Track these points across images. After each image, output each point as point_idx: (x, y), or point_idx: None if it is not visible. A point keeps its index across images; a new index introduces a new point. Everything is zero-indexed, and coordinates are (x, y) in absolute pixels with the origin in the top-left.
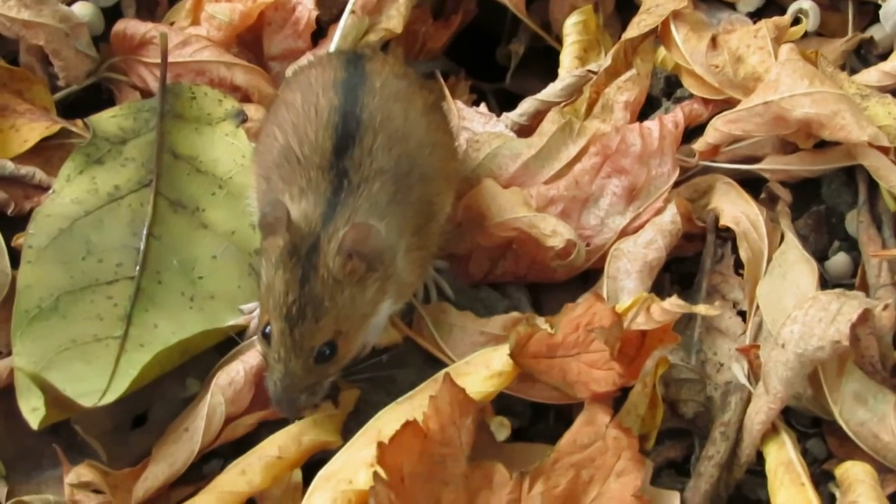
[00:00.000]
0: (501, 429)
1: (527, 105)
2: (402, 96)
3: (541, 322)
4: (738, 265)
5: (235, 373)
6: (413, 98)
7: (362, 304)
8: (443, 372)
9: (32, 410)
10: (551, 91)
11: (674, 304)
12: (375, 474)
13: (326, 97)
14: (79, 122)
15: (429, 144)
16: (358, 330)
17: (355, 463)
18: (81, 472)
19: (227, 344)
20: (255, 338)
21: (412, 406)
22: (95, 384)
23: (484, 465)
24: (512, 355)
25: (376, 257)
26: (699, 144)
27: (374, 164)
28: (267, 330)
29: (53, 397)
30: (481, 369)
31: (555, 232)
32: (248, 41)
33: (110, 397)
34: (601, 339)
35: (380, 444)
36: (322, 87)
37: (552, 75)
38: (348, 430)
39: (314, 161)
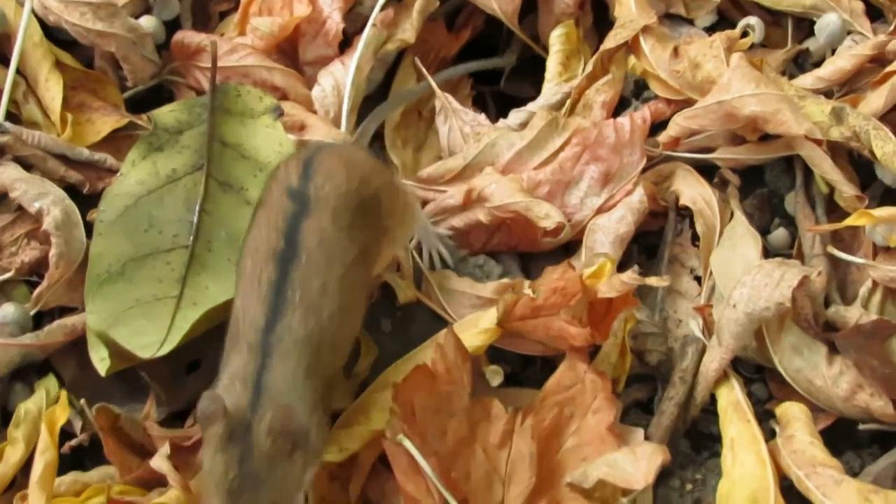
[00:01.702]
0: (495, 376)
1: (519, 114)
2: (329, 255)
3: (525, 288)
4: (695, 238)
5: None
6: (339, 252)
7: (293, 478)
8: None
9: (101, 360)
10: (539, 103)
11: (631, 277)
12: (392, 410)
13: (267, 270)
14: (144, 116)
15: (340, 311)
16: (290, 502)
17: (373, 405)
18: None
19: None
20: None
21: (422, 355)
22: (155, 337)
23: (483, 401)
24: (501, 319)
25: (301, 435)
26: (663, 137)
27: (291, 338)
28: None
29: (116, 350)
30: (472, 327)
31: (547, 215)
32: (286, 49)
33: (167, 348)
34: (568, 314)
35: (394, 385)
36: (264, 258)
37: (540, 79)
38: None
39: (249, 337)
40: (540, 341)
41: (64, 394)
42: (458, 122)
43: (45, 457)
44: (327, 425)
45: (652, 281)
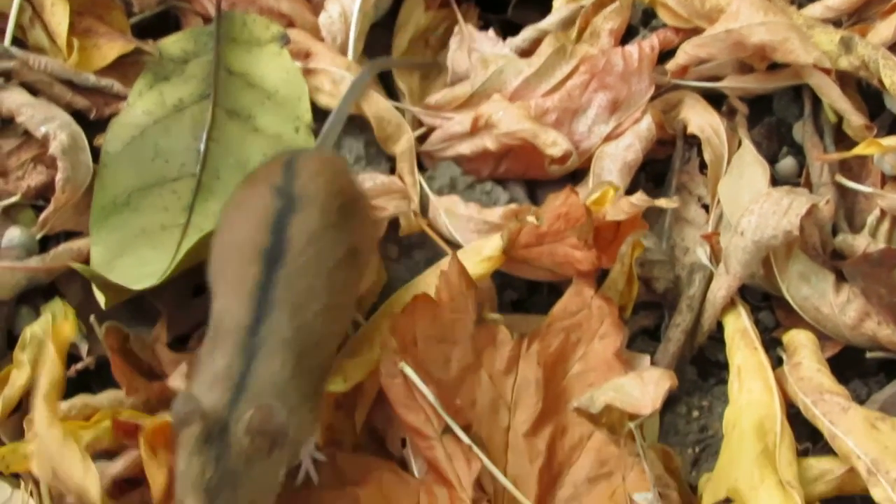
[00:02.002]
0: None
1: (528, 32)
2: (317, 254)
3: (529, 215)
4: (703, 166)
5: None
6: (327, 251)
7: (271, 477)
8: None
9: (100, 294)
10: (549, 21)
11: (639, 199)
12: (384, 342)
13: (252, 269)
14: (150, 42)
15: (327, 310)
16: (267, 501)
17: (377, 334)
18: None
19: None
20: None
21: (425, 283)
22: (159, 266)
23: (489, 326)
24: (506, 247)
25: (280, 433)
26: (671, 65)
27: (277, 340)
28: None
29: (103, 284)
30: (476, 255)
31: (555, 143)
32: None
33: (167, 276)
34: (574, 235)
35: (392, 316)
36: (249, 257)
37: (548, 8)
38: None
39: (233, 337)
40: (546, 268)
41: (72, 311)
42: (471, 47)
43: (50, 373)
44: (313, 417)
45: (661, 202)
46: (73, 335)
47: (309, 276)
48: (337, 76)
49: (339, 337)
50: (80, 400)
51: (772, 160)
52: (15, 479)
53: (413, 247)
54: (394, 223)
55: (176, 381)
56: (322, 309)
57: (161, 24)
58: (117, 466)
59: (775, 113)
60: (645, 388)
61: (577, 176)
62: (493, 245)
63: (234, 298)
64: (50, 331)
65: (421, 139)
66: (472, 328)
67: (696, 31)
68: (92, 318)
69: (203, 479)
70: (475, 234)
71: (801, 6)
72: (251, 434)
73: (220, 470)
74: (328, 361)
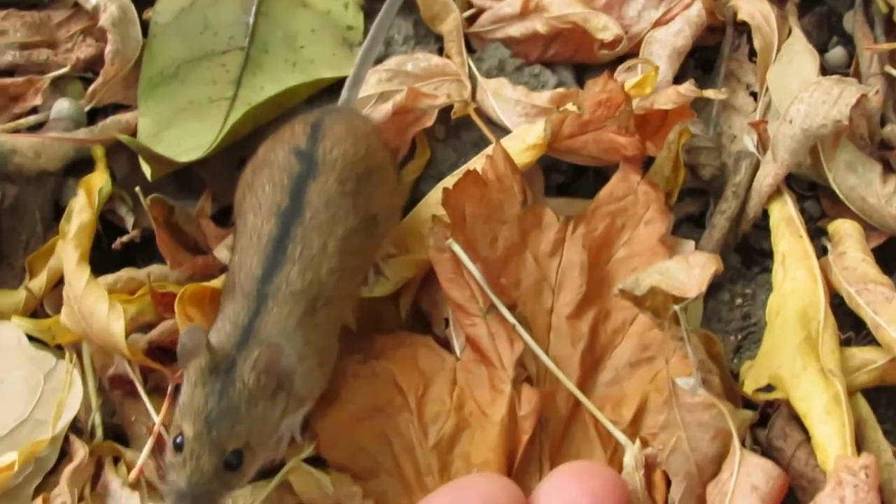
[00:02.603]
0: None
1: None
2: (332, 216)
3: (570, 105)
4: (752, 54)
5: None
6: (343, 215)
7: (271, 420)
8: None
9: (147, 165)
10: None
11: (687, 89)
12: (434, 217)
13: (269, 225)
14: None
15: (339, 271)
16: (264, 445)
17: (420, 225)
18: None
19: (321, 101)
20: None
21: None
22: (206, 139)
23: (536, 208)
24: (550, 139)
25: (286, 376)
26: None
27: (288, 289)
28: (178, 440)
29: (150, 155)
30: (519, 143)
31: (605, 27)
32: None
33: (213, 148)
34: (615, 124)
35: (444, 189)
36: (267, 214)
37: None
38: (423, 185)
39: (245, 288)
40: (592, 155)
41: (102, 157)
42: None
43: (80, 216)
44: (323, 374)
45: (709, 93)
46: (102, 183)
47: (323, 236)
48: None
49: (352, 298)
50: (126, 273)
51: (821, 49)
52: (59, 350)
53: (460, 128)
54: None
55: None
56: (335, 268)
57: None
58: (153, 332)
59: (826, 2)
60: (691, 271)
61: (625, 61)
62: (536, 133)
63: (249, 252)
64: (96, 202)
65: (470, 20)
66: (518, 210)
67: None
68: (137, 190)
69: (205, 409)
70: (522, 118)
71: None
72: (257, 371)
73: (223, 403)
74: (338, 320)
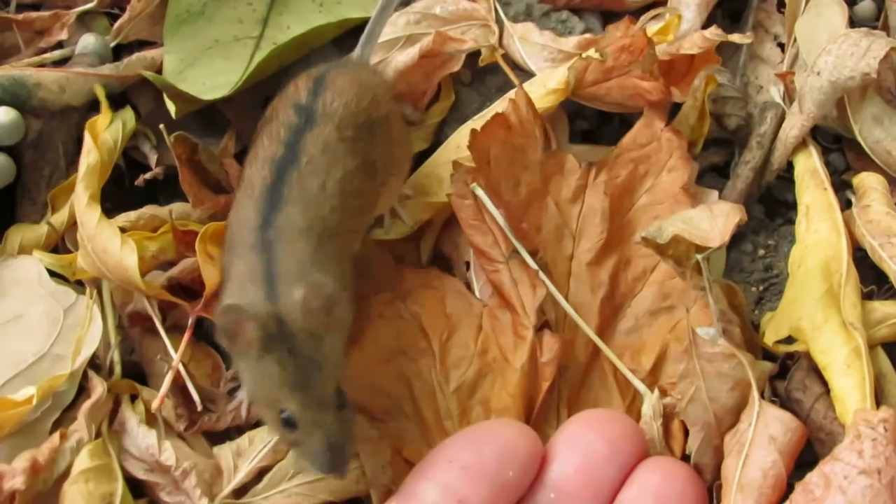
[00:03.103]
0: None
1: None
2: (330, 160)
3: (592, 52)
4: (781, 4)
5: None
6: (341, 158)
7: (341, 346)
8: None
9: (171, 103)
10: None
11: (713, 34)
12: (455, 162)
13: (262, 174)
14: None
15: (340, 209)
16: (344, 371)
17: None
18: None
19: (346, 42)
20: None
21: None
22: (231, 77)
23: (558, 154)
24: (574, 87)
25: (332, 304)
26: None
27: (293, 228)
28: (284, 415)
29: (175, 93)
30: (541, 87)
31: None
32: None
33: (238, 87)
34: (638, 69)
35: (472, 131)
36: (261, 165)
37: None
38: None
39: (248, 241)
40: (617, 102)
41: (133, 117)
42: None
43: (88, 158)
44: (349, 297)
45: (734, 38)
46: (106, 125)
47: (321, 178)
48: None
49: (359, 233)
50: (148, 210)
51: (850, 2)
52: (80, 285)
53: (486, 72)
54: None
55: None
56: (336, 207)
57: None
58: (173, 270)
59: None
60: (714, 220)
61: (653, 8)
62: (557, 78)
63: (246, 204)
64: (120, 138)
65: None
66: (540, 155)
67: None
68: (161, 127)
69: (286, 375)
70: (549, 63)
71: None
72: (309, 312)
73: (297, 361)
74: (350, 251)
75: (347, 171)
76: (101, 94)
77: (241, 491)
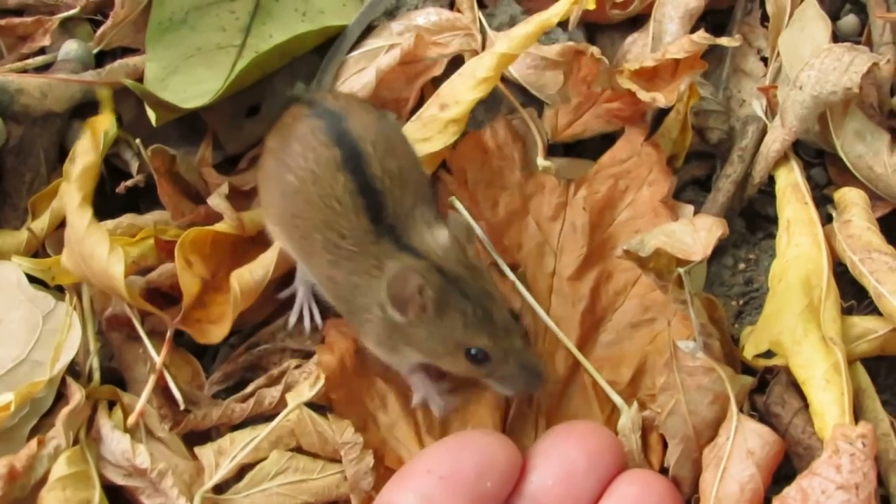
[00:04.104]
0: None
1: None
2: (381, 133)
3: (594, 50)
4: (764, 18)
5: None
6: (386, 128)
7: (491, 274)
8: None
9: (152, 111)
10: None
11: (701, 37)
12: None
13: (338, 183)
14: None
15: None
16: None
17: None
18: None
19: (326, 48)
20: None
21: None
22: (213, 86)
23: (538, 175)
24: (551, 137)
25: (469, 233)
26: None
27: (408, 204)
28: (473, 352)
29: (155, 102)
30: (470, 78)
31: None
32: None
33: (219, 95)
34: (598, 87)
35: (449, 152)
36: (325, 169)
37: None
38: None
39: (365, 241)
40: (598, 130)
41: (108, 99)
42: None
43: (84, 158)
44: None
45: (723, 41)
46: (108, 125)
47: (396, 160)
48: None
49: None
50: (127, 219)
51: (834, 16)
52: (59, 291)
53: None
54: (454, 58)
55: (214, 200)
56: (415, 179)
57: None
58: (152, 274)
59: None
60: (696, 234)
61: (637, 21)
62: (486, 65)
63: (338, 220)
64: (101, 144)
65: None
66: (520, 176)
67: None
68: (138, 142)
69: (468, 315)
70: (532, 70)
71: None
72: (461, 246)
73: (473, 298)
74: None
75: (400, 134)
76: (102, 95)
77: (222, 489)
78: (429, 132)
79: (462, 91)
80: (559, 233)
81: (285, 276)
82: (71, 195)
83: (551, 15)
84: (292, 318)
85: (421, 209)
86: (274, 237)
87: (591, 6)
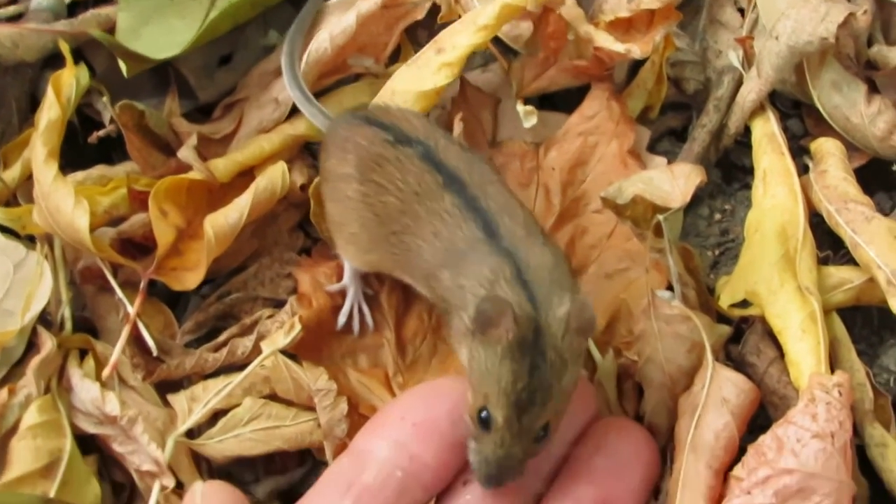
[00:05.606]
0: (529, 116)
1: None
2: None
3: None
4: None
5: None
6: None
7: (575, 380)
8: None
9: (123, 62)
10: None
11: None
12: None
13: (444, 201)
14: None
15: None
16: (566, 405)
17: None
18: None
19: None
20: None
21: None
22: (186, 36)
23: (508, 143)
24: (517, 92)
25: (590, 327)
26: None
27: (516, 237)
28: (483, 415)
29: (125, 53)
30: (471, 24)
31: None
32: None
33: (191, 45)
34: (565, 57)
35: None
36: (431, 195)
37: None
38: None
39: (477, 248)
40: (565, 84)
41: (70, 53)
42: None
43: (49, 113)
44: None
45: None
46: (70, 81)
47: (491, 183)
48: None
49: None
50: (98, 170)
51: None
52: (30, 241)
53: None
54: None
55: (183, 152)
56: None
57: None
58: (123, 225)
59: None
60: (675, 181)
61: None
62: (488, 13)
63: (448, 229)
64: (73, 95)
65: None
66: (490, 151)
67: None
68: (104, 100)
69: (515, 389)
70: None
71: None
72: (571, 335)
73: (534, 382)
74: None
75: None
76: (65, 48)
77: (195, 435)
78: (421, 73)
79: (460, 36)
80: (534, 197)
81: (260, 219)
82: (36, 151)
83: None
84: (342, 319)
85: (557, 261)
86: (347, 253)
87: None
